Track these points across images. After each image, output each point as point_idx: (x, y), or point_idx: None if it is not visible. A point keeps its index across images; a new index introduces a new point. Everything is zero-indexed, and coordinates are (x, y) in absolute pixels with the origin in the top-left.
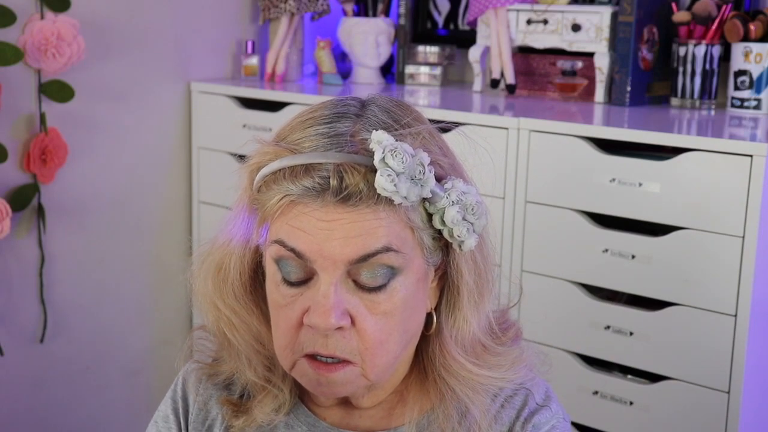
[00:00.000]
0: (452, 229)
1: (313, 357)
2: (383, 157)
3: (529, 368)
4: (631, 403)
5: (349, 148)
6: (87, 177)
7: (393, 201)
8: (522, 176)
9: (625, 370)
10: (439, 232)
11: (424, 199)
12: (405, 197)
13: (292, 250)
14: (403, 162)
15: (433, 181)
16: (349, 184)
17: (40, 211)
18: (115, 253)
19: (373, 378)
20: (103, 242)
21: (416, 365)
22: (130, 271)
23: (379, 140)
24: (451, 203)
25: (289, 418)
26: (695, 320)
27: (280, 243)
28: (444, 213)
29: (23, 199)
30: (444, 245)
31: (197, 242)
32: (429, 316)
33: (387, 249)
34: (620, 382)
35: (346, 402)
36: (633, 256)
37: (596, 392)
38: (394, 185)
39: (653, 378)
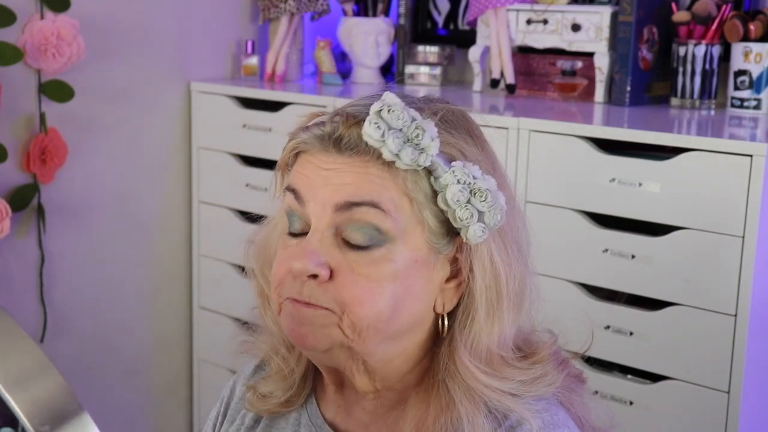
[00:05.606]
0: (455, 210)
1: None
2: (380, 110)
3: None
4: (631, 403)
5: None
6: (87, 177)
7: (393, 162)
8: (522, 176)
9: (625, 370)
10: (447, 216)
11: (429, 173)
12: (397, 155)
13: (293, 189)
14: (398, 119)
15: (436, 151)
16: (345, 132)
17: (40, 211)
18: (115, 252)
19: (350, 334)
20: (103, 242)
21: (426, 369)
22: (130, 271)
23: (385, 98)
24: (456, 181)
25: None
26: (695, 320)
27: (287, 188)
28: (446, 190)
29: (23, 199)
30: (460, 238)
31: (197, 242)
32: (442, 319)
33: (373, 204)
34: (620, 382)
35: (349, 402)
36: (633, 256)
37: (596, 392)
38: (381, 135)
39: (653, 378)
